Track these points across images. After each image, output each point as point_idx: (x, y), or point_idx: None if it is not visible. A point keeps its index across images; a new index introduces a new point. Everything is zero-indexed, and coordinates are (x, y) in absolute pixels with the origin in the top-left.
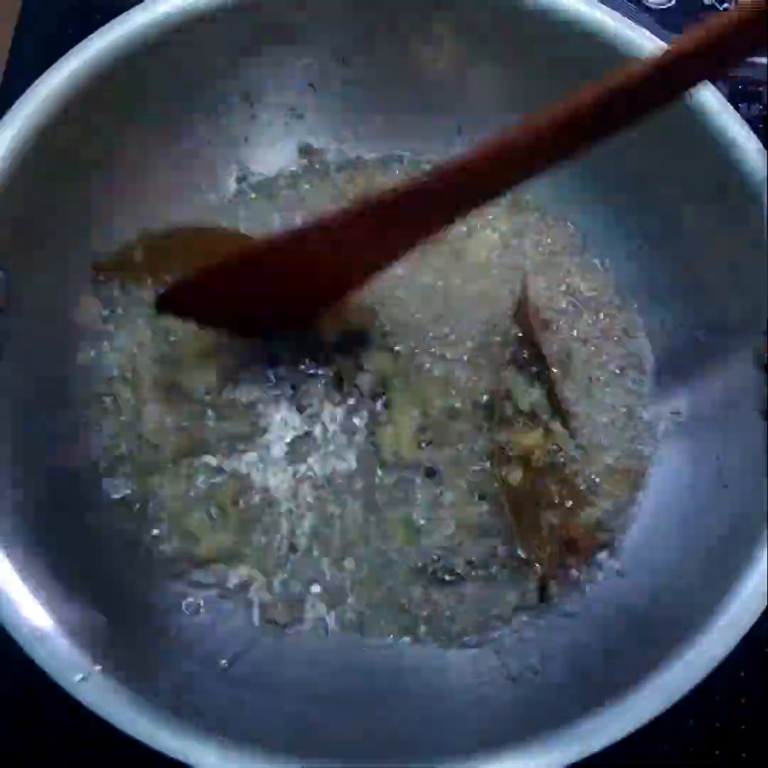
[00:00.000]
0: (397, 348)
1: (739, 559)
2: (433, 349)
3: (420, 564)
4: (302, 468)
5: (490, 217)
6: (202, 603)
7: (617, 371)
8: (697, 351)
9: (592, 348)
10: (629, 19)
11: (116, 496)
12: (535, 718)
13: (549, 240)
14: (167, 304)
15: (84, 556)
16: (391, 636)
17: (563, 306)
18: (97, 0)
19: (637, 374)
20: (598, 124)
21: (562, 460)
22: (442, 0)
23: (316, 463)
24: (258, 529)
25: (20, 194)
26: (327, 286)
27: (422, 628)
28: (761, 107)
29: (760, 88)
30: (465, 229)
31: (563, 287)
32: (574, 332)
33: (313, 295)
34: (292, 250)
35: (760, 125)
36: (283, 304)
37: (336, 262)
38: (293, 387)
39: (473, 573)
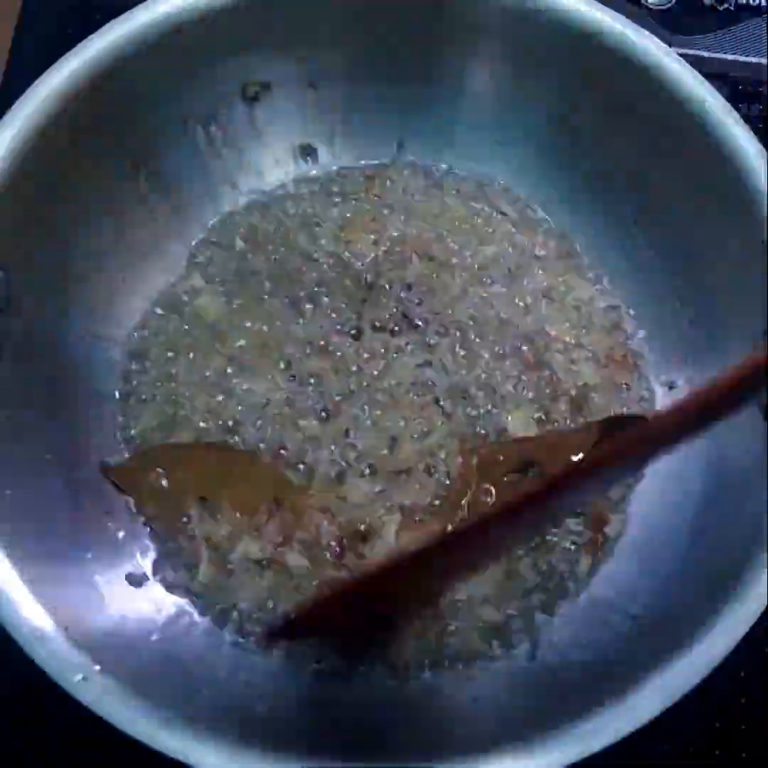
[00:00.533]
0: None
1: (739, 559)
2: None
3: None
4: None
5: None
6: (196, 617)
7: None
8: (697, 351)
9: (589, 348)
10: (629, 19)
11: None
12: (535, 718)
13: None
14: (275, 636)
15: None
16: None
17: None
18: (97, 0)
19: (637, 374)
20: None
21: None
22: (444, 2)
23: None
24: None
25: (20, 194)
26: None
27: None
28: (761, 107)
29: (760, 88)
30: None
31: (562, 288)
32: (573, 329)
33: (405, 608)
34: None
35: (760, 125)
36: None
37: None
38: None
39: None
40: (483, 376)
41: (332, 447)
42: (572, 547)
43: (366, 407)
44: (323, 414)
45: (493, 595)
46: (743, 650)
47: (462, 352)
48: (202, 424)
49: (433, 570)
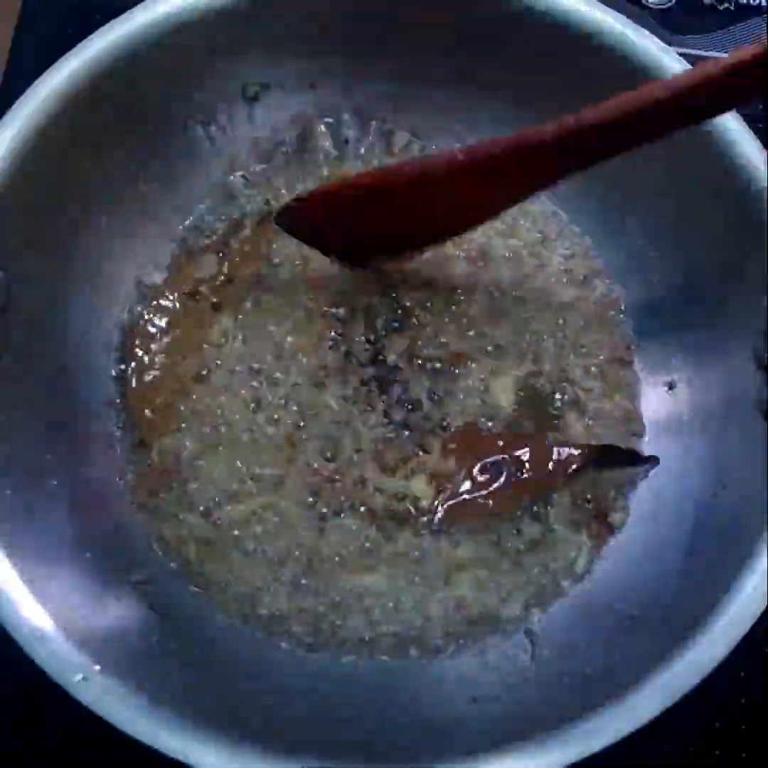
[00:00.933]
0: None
1: (739, 559)
2: None
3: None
4: None
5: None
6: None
7: (617, 372)
8: (697, 351)
9: (590, 351)
10: (629, 19)
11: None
12: (535, 718)
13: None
14: (285, 218)
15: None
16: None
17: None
18: (97, 0)
19: (637, 375)
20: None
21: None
22: (443, 2)
23: None
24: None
25: (20, 194)
26: (434, 226)
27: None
28: (761, 107)
29: None
30: None
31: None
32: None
33: (419, 232)
34: (416, 181)
35: (760, 125)
36: (387, 236)
37: (453, 202)
38: None
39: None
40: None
41: None
42: (574, 537)
43: None
44: None
45: (491, 586)
46: (743, 650)
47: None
48: (204, 429)
49: (448, 193)
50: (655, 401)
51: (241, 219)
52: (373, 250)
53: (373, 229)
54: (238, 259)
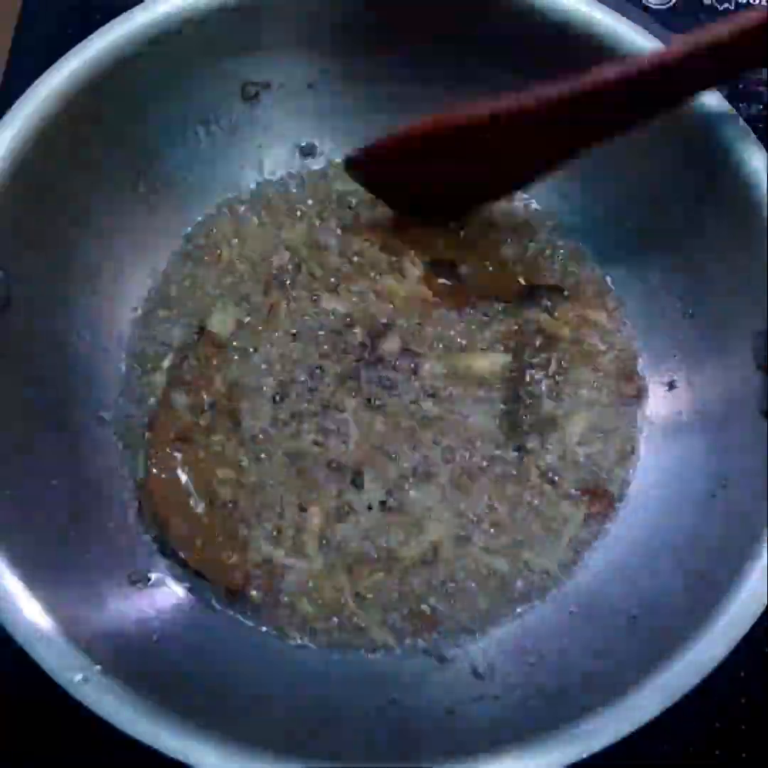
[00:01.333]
0: None
1: (739, 559)
2: None
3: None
4: None
5: None
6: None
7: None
8: (697, 351)
9: (589, 351)
10: (629, 19)
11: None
12: (535, 718)
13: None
14: (355, 165)
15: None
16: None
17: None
18: (97, 0)
19: (638, 374)
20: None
21: None
22: (443, 2)
23: None
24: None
25: (20, 194)
26: (499, 175)
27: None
28: (761, 107)
29: (760, 88)
30: None
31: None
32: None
33: (484, 182)
34: (488, 128)
35: (760, 125)
36: (452, 188)
37: (519, 150)
38: None
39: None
40: None
41: None
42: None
43: None
44: None
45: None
46: (743, 650)
47: None
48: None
49: (525, 140)
50: (655, 401)
51: (180, 350)
52: (437, 203)
53: (441, 176)
54: (202, 383)
